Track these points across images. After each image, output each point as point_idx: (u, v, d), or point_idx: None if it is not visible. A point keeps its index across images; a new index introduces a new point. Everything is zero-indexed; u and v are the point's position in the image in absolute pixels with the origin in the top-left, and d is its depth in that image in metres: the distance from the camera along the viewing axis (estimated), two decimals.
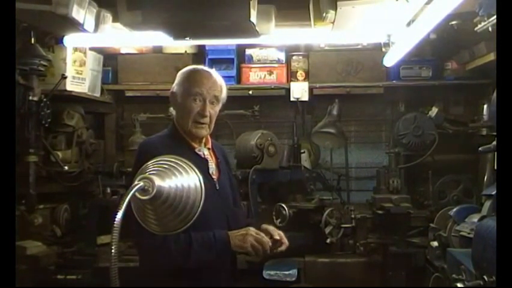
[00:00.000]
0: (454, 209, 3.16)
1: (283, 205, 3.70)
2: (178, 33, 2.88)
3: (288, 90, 4.46)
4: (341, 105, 4.27)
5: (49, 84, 3.72)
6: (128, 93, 4.57)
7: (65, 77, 3.77)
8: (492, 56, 3.43)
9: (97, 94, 4.35)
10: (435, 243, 3.25)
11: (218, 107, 2.28)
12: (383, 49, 3.41)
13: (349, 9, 2.51)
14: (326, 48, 4.47)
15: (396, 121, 4.25)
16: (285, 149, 4.14)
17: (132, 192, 1.68)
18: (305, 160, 4.28)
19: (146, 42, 4.33)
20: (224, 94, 2.30)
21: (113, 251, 1.51)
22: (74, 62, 3.92)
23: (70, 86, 3.88)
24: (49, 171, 3.80)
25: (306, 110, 4.67)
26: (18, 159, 3.40)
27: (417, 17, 2.65)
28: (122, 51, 4.67)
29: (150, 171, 1.84)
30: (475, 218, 2.88)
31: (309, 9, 2.97)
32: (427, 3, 2.42)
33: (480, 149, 2.78)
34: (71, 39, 3.35)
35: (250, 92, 4.45)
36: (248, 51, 4.51)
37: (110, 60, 4.58)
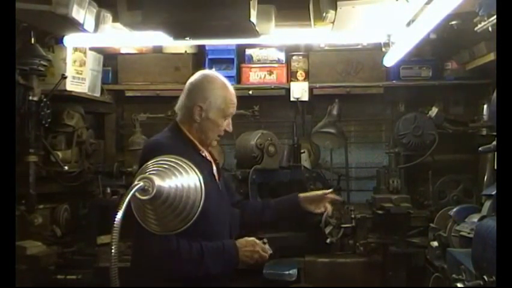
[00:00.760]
0: (454, 209, 3.16)
1: None
2: (178, 33, 2.88)
3: (288, 90, 4.46)
4: (341, 105, 4.27)
5: (49, 84, 3.71)
6: (128, 93, 4.57)
7: (65, 77, 3.77)
8: (492, 56, 3.42)
9: (97, 94, 4.35)
10: (435, 243, 3.24)
11: None
12: (383, 49, 3.42)
13: (349, 9, 2.51)
14: (326, 48, 4.47)
15: (396, 121, 4.24)
16: (285, 149, 4.14)
17: (132, 192, 1.68)
18: (305, 160, 4.28)
19: (146, 42, 4.32)
20: None
21: (113, 251, 1.51)
22: (74, 62, 3.92)
23: (70, 86, 3.87)
24: (49, 171, 3.79)
25: (306, 110, 4.67)
26: (18, 159, 3.39)
27: (417, 17, 2.65)
28: (122, 51, 4.66)
29: (150, 171, 1.84)
30: (475, 218, 2.88)
31: (309, 9, 2.97)
32: (427, 3, 2.42)
33: (480, 149, 2.78)
34: (71, 39, 3.35)
35: (250, 92, 4.44)
36: (248, 51, 4.51)
37: (110, 60, 4.58)
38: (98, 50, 4.27)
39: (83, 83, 4.03)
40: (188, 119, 2.29)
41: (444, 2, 2.24)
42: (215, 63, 4.43)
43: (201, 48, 4.52)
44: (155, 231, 1.91)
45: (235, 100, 2.31)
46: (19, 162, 3.40)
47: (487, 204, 2.70)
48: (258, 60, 4.52)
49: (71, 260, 3.59)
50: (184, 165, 1.89)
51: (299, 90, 4.42)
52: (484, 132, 3.63)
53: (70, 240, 3.80)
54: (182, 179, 1.86)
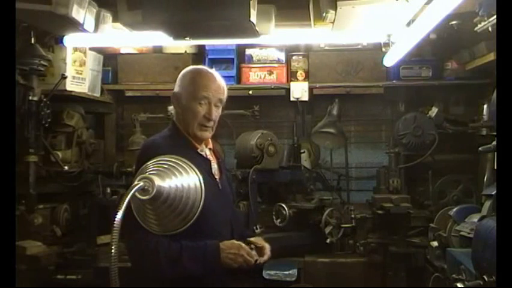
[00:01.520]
0: (454, 209, 3.16)
1: (283, 205, 3.70)
2: (178, 33, 2.88)
3: (288, 90, 4.46)
4: (340, 105, 4.28)
5: (49, 84, 3.71)
6: (128, 93, 4.57)
7: (65, 77, 3.77)
8: (492, 56, 3.43)
9: (97, 94, 4.35)
10: (435, 243, 3.25)
11: (220, 109, 2.27)
12: (383, 49, 3.41)
13: (349, 9, 2.51)
14: (326, 48, 4.47)
15: (396, 121, 4.24)
16: (285, 149, 4.14)
17: (132, 192, 1.68)
18: (305, 160, 4.28)
19: (146, 42, 4.32)
20: (226, 95, 2.29)
21: (113, 251, 1.52)
22: (74, 62, 3.92)
23: (70, 86, 3.87)
24: (49, 171, 3.80)
25: (306, 110, 4.67)
26: (18, 159, 3.39)
27: (417, 17, 2.65)
28: (122, 51, 4.66)
29: (150, 171, 1.84)
30: (474, 218, 2.88)
31: (309, 9, 2.97)
32: (427, 3, 2.42)
33: (480, 149, 2.78)
34: (71, 39, 3.35)
35: (250, 92, 4.44)
36: (248, 51, 4.51)
37: (110, 60, 4.58)
38: (98, 50, 4.27)
39: (83, 83, 4.03)
40: (177, 115, 2.29)
41: (444, 2, 2.24)
42: (215, 63, 4.43)
43: (201, 48, 4.52)
44: (155, 231, 1.92)
45: (209, 84, 2.19)
46: (19, 162, 3.40)
47: (487, 204, 2.71)
48: (258, 60, 4.52)
49: (71, 260, 3.59)
50: (184, 165, 1.89)
51: (299, 90, 4.42)
52: (484, 132, 3.62)
53: (69, 240, 3.80)
54: (182, 179, 1.86)
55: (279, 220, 3.70)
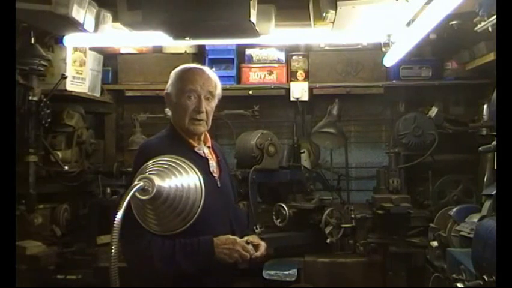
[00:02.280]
0: (454, 209, 3.16)
1: (283, 205, 3.70)
2: (178, 33, 2.88)
3: (288, 90, 4.46)
4: (341, 105, 4.27)
5: (49, 84, 3.71)
6: (128, 93, 4.56)
7: (65, 77, 3.77)
8: (492, 56, 3.43)
9: (97, 94, 4.35)
10: (435, 243, 3.25)
11: (214, 103, 2.28)
12: (383, 49, 3.41)
13: (349, 9, 2.51)
14: (326, 48, 4.47)
15: (396, 121, 4.24)
16: (285, 149, 4.14)
17: (132, 192, 1.68)
18: (305, 160, 4.28)
19: (146, 42, 4.32)
20: (219, 90, 2.30)
21: (113, 251, 1.51)
22: (74, 62, 3.92)
23: (70, 86, 3.87)
24: (49, 171, 3.80)
25: (306, 110, 4.67)
26: (18, 159, 3.39)
27: (417, 17, 2.65)
28: (122, 51, 4.66)
29: (150, 171, 1.84)
30: (474, 217, 2.88)
31: (309, 9, 2.97)
32: (427, 3, 2.42)
33: (480, 149, 2.78)
34: (71, 39, 3.35)
35: (250, 92, 4.44)
36: (248, 51, 4.51)
37: (110, 60, 4.58)
38: (98, 50, 4.27)
39: (83, 83, 4.03)
40: (172, 114, 2.31)
41: (444, 2, 2.24)
42: (215, 63, 4.43)
43: (201, 48, 4.52)
44: (155, 231, 1.92)
45: (196, 78, 2.21)
46: (19, 162, 3.40)
47: (487, 204, 2.71)
48: (258, 60, 4.52)
49: (71, 260, 3.59)
50: (184, 165, 1.89)
51: (299, 90, 4.42)
52: (484, 132, 3.62)
53: (69, 240, 3.80)
54: (182, 179, 1.86)
55: (279, 220, 3.70)
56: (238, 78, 4.51)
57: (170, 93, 2.27)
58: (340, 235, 3.68)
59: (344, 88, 4.42)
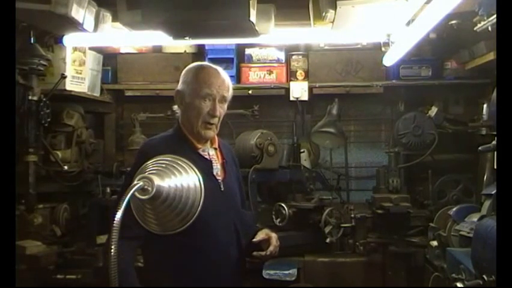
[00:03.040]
0: (454, 209, 3.16)
1: (283, 205, 3.70)
2: (178, 32, 2.87)
3: (288, 89, 4.46)
4: (340, 104, 4.27)
5: (49, 83, 3.71)
6: (128, 93, 4.56)
7: (65, 77, 3.77)
8: (492, 56, 3.43)
9: (97, 94, 4.35)
10: (434, 243, 3.25)
11: (225, 106, 2.23)
12: (383, 48, 3.41)
13: (349, 8, 2.51)
14: (326, 47, 4.47)
15: (396, 120, 4.25)
16: (285, 148, 4.14)
17: (132, 191, 1.68)
18: (305, 160, 4.28)
19: (145, 42, 4.32)
20: (231, 92, 2.25)
21: (112, 251, 1.51)
22: (74, 61, 3.92)
23: (70, 85, 3.87)
24: (49, 171, 3.80)
25: (305, 110, 4.67)
26: (18, 159, 3.40)
27: (417, 17, 2.65)
28: (122, 50, 4.66)
29: (149, 170, 1.84)
30: (474, 217, 2.88)
31: (308, 9, 2.96)
32: (427, 3, 2.42)
33: (480, 148, 2.78)
34: (70, 39, 3.35)
35: (250, 92, 4.44)
36: (248, 51, 4.51)
37: (110, 59, 4.58)
38: (97, 50, 4.27)
39: (83, 83, 4.03)
40: (181, 113, 2.25)
41: (443, 1, 2.24)
42: (215, 62, 4.34)
43: (201, 47, 4.52)
44: (154, 231, 1.92)
45: (212, 80, 2.15)
46: (19, 162, 3.40)
47: (487, 203, 2.71)
48: (258, 60, 4.52)
49: (71, 260, 3.59)
50: (184, 165, 1.89)
51: (299, 90, 4.42)
52: (484, 132, 3.63)
53: (69, 240, 3.80)
54: (182, 179, 1.86)
55: (278, 220, 3.70)
56: (238, 77, 4.51)
57: (183, 91, 2.19)
58: (340, 235, 3.68)
59: (344, 88, 4.42)
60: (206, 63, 2.33)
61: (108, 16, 3.01)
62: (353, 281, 3.61)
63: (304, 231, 3.74)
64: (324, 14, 2.65)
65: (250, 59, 4.52)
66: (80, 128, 4.03)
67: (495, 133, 2.57)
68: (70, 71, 3.86)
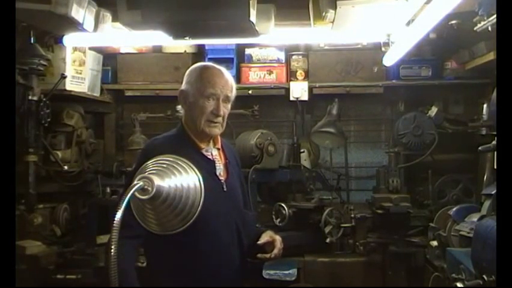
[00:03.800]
0: (454, 209, 3.16)
1: (283, 205, 3.70)
2: (178, 32, 2.87)
3: (288, 89, 4.46)
4: (340, 104, 4.27)
5: (49, 83, 3.71)
6: (128, 93, 4.56)
7: (65, 77, 3.77)
8: (492, 56, 3.43)
9: (97, 94, 4.35)
10: (434, 243, 3.25)
11: (229, 106, 2.25)
12: (383, 49, 3.41)
13: (349, 8, 2.51)
14: (326, 47, 4.47)
15: (396, 121, 4.24)
16: (285, 148, 4.14)
17: (132, 191, 1.68)
18: (305, 160, 4.28)
19: (145, 42, 4.32)
20: (234, 92, 2.27)
21: (112, 251, 1.51)
22: (74, 61, 3.92)
23: (70, 85, 3.87)
24: (49, 171, 3.80)
25: (305, 110, 4.67)
26: (18, 159, 3.39)
27: (417, 17, 2.65)
28: (122, 50, 4.66)
29: (150, 170, 1.83)
30: (474, 217, 2.88)
31: (308, 9, 2.96)
32: (427, 3, 2.42)
33: (480, 148, 2.78)
34: (70, 39, 3.35)
35: (250, 92, 4.44)
36: (248, 51, 4.51)
37: (110, 59, 4.57)
38: (97, 50, 4.27)
39: (83, 83, 4.03)
40: (184, 113, 2.27)
41: (443, 1, 2.24)
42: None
43: (201, 47, 4.52)
44: (154, 231, 1.91)
45: (216, 80, 2.18)
46: (19, 162, 3.40)
47: (487, 203, 2.71)
48: (258, 60, 4.52)
49: (71, 260, 3.58)
50: (184, 165, 1.89)
51: (299, 90, 4.42)
52: (484, 132, 3.63)
53: (69, 240, 3.80)
54: (182, 179, 1.85)
55: (278, 220, 3.70)
56: (238, 77, 4.50)
57: (187, 91, 2.21)
58: (340, 235, 3.68)
59: (344, 88, 4.42)
60: (210, 63, 2.34)
61: (108, 16, 3.01)
62: (353, 281, 3.61)
63: (304, 231, 3.74)
64: (324, 14, 2.65)
65: (250, 59, 4.52)
66: (80, 128, 4.03)
67: (495, 133, 2.56)
68: (70, 71, 3.86)
